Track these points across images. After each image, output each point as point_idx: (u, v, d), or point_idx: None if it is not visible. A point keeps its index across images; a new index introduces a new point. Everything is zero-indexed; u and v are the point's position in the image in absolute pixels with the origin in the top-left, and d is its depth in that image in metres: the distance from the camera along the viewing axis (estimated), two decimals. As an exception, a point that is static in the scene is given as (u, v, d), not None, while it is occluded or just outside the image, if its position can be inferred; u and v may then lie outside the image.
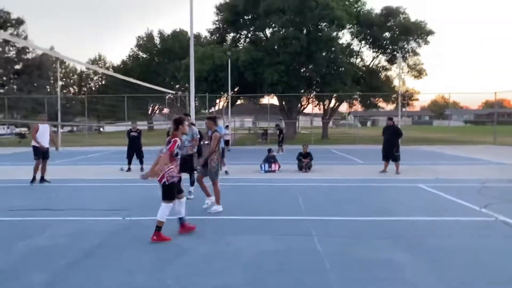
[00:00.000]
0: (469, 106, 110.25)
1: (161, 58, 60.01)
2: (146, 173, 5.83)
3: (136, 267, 4.69)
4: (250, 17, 33.84)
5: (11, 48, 41.04)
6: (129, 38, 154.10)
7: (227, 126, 22.49)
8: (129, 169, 13.53)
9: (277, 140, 22.03)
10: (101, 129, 55.03)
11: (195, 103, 16.57)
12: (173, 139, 5.65)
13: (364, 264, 4.75)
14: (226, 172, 12.60)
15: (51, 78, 45.80)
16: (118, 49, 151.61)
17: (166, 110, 62.21)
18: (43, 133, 11.01)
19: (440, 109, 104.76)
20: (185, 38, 56.73)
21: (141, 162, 13.70)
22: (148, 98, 45.03)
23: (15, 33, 38.97)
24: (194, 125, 12.83)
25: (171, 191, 5.63)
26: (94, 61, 66.30)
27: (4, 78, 40.89)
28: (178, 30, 61.50)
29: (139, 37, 64.21)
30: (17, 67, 41.51)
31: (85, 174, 13.27)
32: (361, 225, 6.53)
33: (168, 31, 65.75)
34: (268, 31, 34.32)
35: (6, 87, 40.64)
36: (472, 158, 17.95)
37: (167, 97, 45.51)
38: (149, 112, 68.87)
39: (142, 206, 7.83)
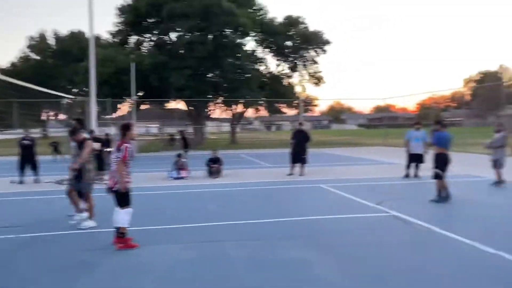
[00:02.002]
0: (362, 111, 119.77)
1: (56, 60, 55.76)
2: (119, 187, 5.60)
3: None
4: (154, 20, 32.99)
5: None
6: (19, 38, 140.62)
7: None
8: (21, 182, 12.33)
9: (182, 146, 21.44)
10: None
11: (96, 108, 15.69)
12: (124, 145, 5.60)
13: (276, 265, 4.91)
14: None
15: None
16: (5, 50, 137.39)
17: (63, 116, 57.96)
18: None
19: (337, 114, 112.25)
20: (84, 39, 53.28)
21: (36, 173, 12.59)
22: (42, 103, 41.52)
23: None
24: (92, 132, 12.17)
25: (129, 196, 5.68)
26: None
27: None
28: (76, 31, 57.71)
29: (30, 37, 59.06)
30: None
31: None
32: (271, 227, 6.73)
33: (64, 31, 61.30)
34: (173, 35, 33.79)
35: None
36: (366, 159, 19.54)
37: (64, 102, 42.40)
38: (44, 118, 63.58)
39: (39, 222, 7.20)
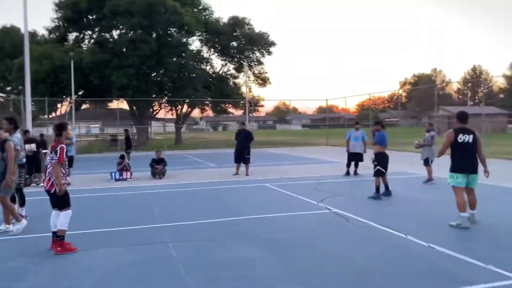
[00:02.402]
0: (306, 112, 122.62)
1: (-14, 56, 52.06)
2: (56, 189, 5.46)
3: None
4: (94, 17, 31.78)
5: None
6: None
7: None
8: None
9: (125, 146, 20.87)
10: None
11: (31, 108, 14.88)
12: (60, 146, 5.46)
13: (219, 264, 4.95)
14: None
15: None
16: None
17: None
18: None
19: (282, 114, 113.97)
20: (18, 35, 50.21)
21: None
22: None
23: None
24: (27, 132, 11.56)
25: (67, 198, 5.56)
26: None
27: None
28: (8, 26, 54.18)
29: (-44, 30, 54.63)
30: None
31: None
32: (215, 227, 6.76)
33: (-5, 25, 57.23)
34: (115, 33, 32.75)
35: None
36: (309, 158, 20.08)
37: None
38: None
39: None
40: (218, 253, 5.38)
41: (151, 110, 36.57)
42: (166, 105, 36.20)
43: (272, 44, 37.48)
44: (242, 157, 13.54)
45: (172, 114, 38.44)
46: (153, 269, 4.80)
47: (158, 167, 13.09)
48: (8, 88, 47.78)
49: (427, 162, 11.29)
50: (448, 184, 6.75)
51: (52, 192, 5.45)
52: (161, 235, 6.25)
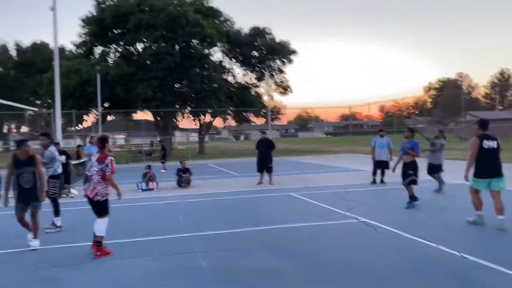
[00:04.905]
0: (328, 119, 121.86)
1: (18, 72, 53.99)
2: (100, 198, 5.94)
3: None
4: (119, 31, 32.61)
5: None
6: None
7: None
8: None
9: (161, 156, 21.56)
10: None
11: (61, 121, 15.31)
12: (109, 158, 5.85)
13: (248, 274, 4.96)
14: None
15: None
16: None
17: (25, 129, 56.01)
18: None
19: (304, 122, 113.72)
20: (47, 50, 51.90)
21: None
22: (3, 115, 40.07)
23: None
24: (58, 144, 11.87)
25: (107, 206, 5.96)
26: None
27: None
28: (38, 42, 56.12)
29: (-9, 49, 56.92)
30: None
31: None
32: (242, 237, 6.78)
33: (26, 42, 59.41)
34: (139, 46, 33.50)
35: None
36: (334, 167, 19.92)
37: (27, 114, 41.05)
38: (4, 131, 61.32)
39: (3, 238, 6.95)
40: (246, 263, 5.39)
41: (174, 120, 37.06)
42: (189, 115, 36.60)
43: (293, 52, 37.54)
44: (265, 166, 13.56)
45: (195, 124, 38.84)
46: (182, 279, 4.85)
47: (184, 176, 13.27)
48: (38, 102, 49.41)
49: (438, 169, 10.83)
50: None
51: (95, 200, 5.83)
52: (189, 245, 6.31)
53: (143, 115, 38.62)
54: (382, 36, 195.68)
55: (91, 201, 5.92)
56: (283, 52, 36.81)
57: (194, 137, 53.32)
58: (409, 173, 8.90)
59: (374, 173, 12.78)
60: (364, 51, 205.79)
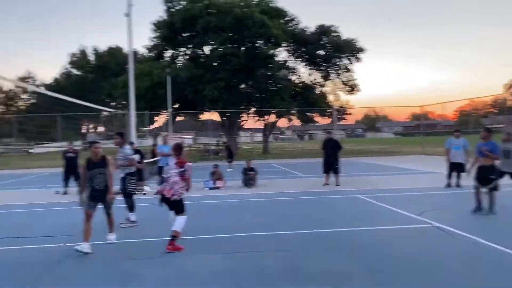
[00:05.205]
0: (397, 118, 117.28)
1: (95, 75, 57.95)
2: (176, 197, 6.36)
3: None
4: (188, 34, 33.79)
5: None
6: (61, 55, 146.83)
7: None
8: (65, 193, 12.84)
9: (227, 156, 22.16)
10: (30, 150, 51.72)
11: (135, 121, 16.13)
12: (187, 164, 6.40)
13: (315, 276, 4.89)
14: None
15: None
16: (49, 67, 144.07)
17: (101, 129, 59.95)
18: None
19: (372, 122, 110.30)
20: (121, 54, 55.21)
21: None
22: (81, 116, 43.19)
23: None
24: (132, 143, 12.51)
25: (183, 204, 6.38)
26: (23, 79, 62.50)
27: None
28: (114, 46, 59.84)
29: (72, 53, 61.71)
30: None
31: (16, 199, 12.38)
32: (308, 238, 6.71)
33: (103, 47, 63.60)
34: (207, 48, 34.46)
35: None
36: (404, 168, 19.09)
37: (102, 115, 43.90)
38: (83, 131, 66.02)
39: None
40: (313, 264, 5.32)
41: (239, 120, 37.66)
42: (254, 115, 37.00)
43: (360, 50, 36.51)
44: (331, 167, 13.32)
45: (260, 124, 39.20)
46: (251, 278, 4.89)
47: (250, 173, 13.44)
48: (113, 104, 52.64)
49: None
50: None
51: (172, 200, 6.24)
52: (256, 244, 6.36)
53: (210, 115, 39.71)
54: (453, 31, 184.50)
55: (168, 201, 6.27)
56: (350, 50, 35.96)
57: (258, 137, 53.82)
58: (492, 178, 8.23)
59: (449, 176, 12.06)
60: (436, 46, 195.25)
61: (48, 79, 65.75)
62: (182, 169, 6.34)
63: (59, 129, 29.83)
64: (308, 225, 7.61)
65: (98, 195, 6.38)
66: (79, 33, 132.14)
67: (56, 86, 57.01)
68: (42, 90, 36.86)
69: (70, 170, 13.16)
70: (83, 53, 61.26)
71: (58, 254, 6.08)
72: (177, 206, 6.32)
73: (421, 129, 35.12)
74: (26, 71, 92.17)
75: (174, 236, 6.11)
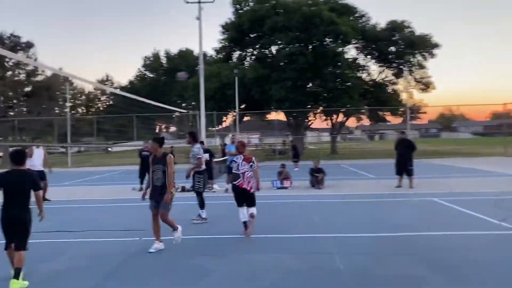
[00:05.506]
0: (475, 118, 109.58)
1: (167, 77, 60.53)
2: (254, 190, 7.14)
3: (159, 289, 4.67)
4: (255, 35, 34.17)
5: (20, 71, 41.65)
6: (136, 59, 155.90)
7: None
8: (141, 189, 13.52)
9: (292, 156, 22.13)
10: (109, 149, 55.33)
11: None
12: (253, 159, 7.11)
13: (388, 281, 4.70)
14: (227, 190, 12.42)
15: (60, 99, 46.33)
16: (125, 70, 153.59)
17: (173, 128, 62.55)
18: (37, 157, 11.26)
19: (448, 121, 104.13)
20: (192, 57, 57.20)
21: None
22: (155, 117, 45.38)
23: (25, 55, 39.45)
24: (202, 143, 12.89)
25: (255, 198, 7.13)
26: (102, 82, 67.03)
27: (14, 101, 41.37)
28: (184, 49, 62.12)
29: (145, 57, 65.01)
30: (27, 89, 41.99)
31: (96, 194, 13.29)
32: (380, 242, 6.46)
33: (174, 50, 66.35)
34: (274, 48, 34.61)
35: (16, 110, 41.10)
36: (483, 171, 17.78)
37: (174, 115, 45.75)
38: (156, 130, 69.26)
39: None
40: (384, 269, 5.12)
41: (306, 120, 37.36)
42: (321, 115, 36.51)
43: (435, 45, 34.62)
44: (404, 168, 12.74)
45: (327, 124, 38.59)
46: (321, 280, 4.80)
47: (318, 175, 13.24)
48: (184, 105, 54.69)
49: None
50: None
51: (251, 192, 6.92)
52: (326, 246, 6.23)
53: (276, 115, 39.83)
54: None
55: (247, 193, 6.90)
56: (424, 45, 34.21)
57: (325, 137, 53.07)
58: None
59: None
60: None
61: (124, 82, 69.87)
62: (251, 164, 6.98)
63: (135, 128, 31.56)
64: (380, 228, 7.33)
65: (155, 193, 6.17)
66: (152, 38, 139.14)
67: (131, 88, 60.36)
68: (119, 91, 39.32)
69: (146, 167, 13.82)
70: (156, 56, 64.23)
71: (134, 247, 6.40)
72: (253, 199, 6.97)
73: (503, 129, 32.45)
74: (104, 74, 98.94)
75: (252, 217, 6.90)
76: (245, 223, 6.91)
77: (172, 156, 6.40)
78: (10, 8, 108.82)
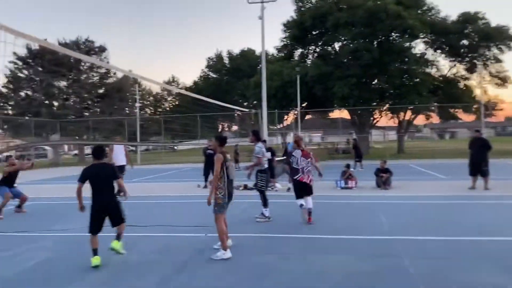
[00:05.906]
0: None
1: (230, 77, 61.62)
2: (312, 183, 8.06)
3: (226, 287, 4.72)
4: (317, 32, 33.69)
5: (94, 74, 44.44)
6: (200, 60, 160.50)
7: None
8: (205, 186, 13.88)
9: (355, 155, 21.48)
10: (175, 147, 57.42)
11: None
12: (311, 153, 8.05)
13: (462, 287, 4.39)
14: (289, 189, 12.29)
15: (129, 100, 48.82)
16: (189, 71, 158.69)
17: (235, 127, 63.63)
18: (118, 153, 12.05)
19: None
20: (253, 56, 57.75)
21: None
22: (219, 116, 46.42)
23: (98, 59, 42.06)
24: (265, 141, 12.89)
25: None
26: (168, 83, 69.73)
27: (89, 102, 44.21)
28: (246, 49, 62.86)
29: (209, 58, 66.65)
30: (100, 91, 44.69)
31: (164, 190, 13.83)
32: (453, 246, 6.07)
33: (236, 50, 67.30)
34: (337, 45, 33.93)
35: (91, 110, 43.90)
36: None
37: (235, 114, 46.47)
38: (219, 129, 70.84)
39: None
40: (463, 274, 4.81)
41: (371, 118, 36.22)
42: (388, 112, 35.19)
43: (514, 37, 32.03)
44: (478, 169, 11.91)
45: (393, 122, 37.12)
46: (389, 282, 4.61)
47: (383, 175, 12.75)
48: (245, 104, 55.40)
49: None
50: None
51: (311, 185, 7.88)
52: (393, 248, 5.98)
53: (339, 113, 39.00)
54: None
55: (307, 186, 7.80)
56: (501, 38, 31.77)
57: (392, 135, 51.18)
58: None
59: None
60: None
61: (189, 82, 72.11)
62: (309, 159, 7.81)
63: (199, 127, 32.48)
64: (453, 231, 6.90)
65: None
66: (215, 39, 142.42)
67: (195, 88, 62.22)
68: (184, 92, 40.69)
69: (210, 165, 14.17)
70: (219, 57, 65.61)
71: (200, 243, 6.55)
72: (311, 189, 7.91)
73: None
74: (170, 75, 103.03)
75: (311, 213, 7.71)
76: (301, 205, 7.76)
77: (220, 155, 5.90)
78: (79, 12, 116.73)
